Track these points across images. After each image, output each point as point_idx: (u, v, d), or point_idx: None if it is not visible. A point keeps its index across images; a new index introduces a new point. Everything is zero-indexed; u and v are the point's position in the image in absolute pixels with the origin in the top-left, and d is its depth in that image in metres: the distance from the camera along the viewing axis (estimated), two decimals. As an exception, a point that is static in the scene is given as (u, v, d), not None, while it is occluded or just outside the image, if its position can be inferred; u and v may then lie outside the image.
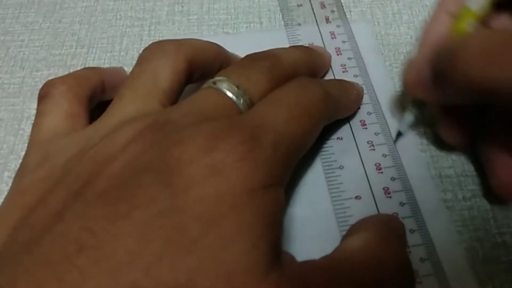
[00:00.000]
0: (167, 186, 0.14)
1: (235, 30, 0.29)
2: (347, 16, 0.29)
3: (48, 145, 0.18)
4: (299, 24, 0.28)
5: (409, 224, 0.20)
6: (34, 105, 0.21)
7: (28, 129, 0.25)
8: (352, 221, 0.19)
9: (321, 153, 0.23)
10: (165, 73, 0.20)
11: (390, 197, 0.21)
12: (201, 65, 0.21)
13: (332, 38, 0.27)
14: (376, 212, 0.21)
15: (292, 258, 0.16)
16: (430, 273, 0.19)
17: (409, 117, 0.23)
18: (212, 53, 0.22)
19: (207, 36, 0.29)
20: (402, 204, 0.21)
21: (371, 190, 0.21)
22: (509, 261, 0.20)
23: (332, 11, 0.29)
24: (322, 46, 0.27)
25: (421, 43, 0.21)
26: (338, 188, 0.22)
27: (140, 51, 0.21)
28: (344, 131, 0.23)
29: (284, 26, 0.29)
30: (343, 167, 0.22)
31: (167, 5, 0.31)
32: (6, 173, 0.24)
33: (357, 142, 0.23)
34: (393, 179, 0.22)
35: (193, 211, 0.14)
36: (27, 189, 0.17)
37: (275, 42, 0.25)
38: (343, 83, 0.23)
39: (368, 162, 0.22)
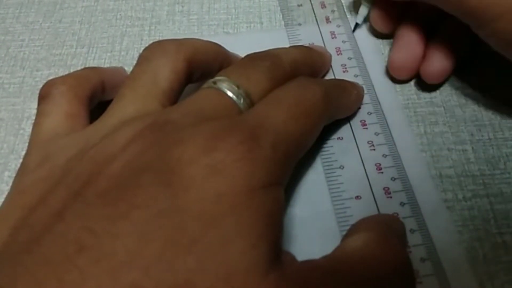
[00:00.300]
0: (167, 186, 0.14)
1: (235, 30, 0.29)
2: (348, 16, 0.29)
3: (48, 145, 0.18)
4: (300, 24, 0.28)
5: (409, 224, 0.20)
6: (35, 105, 0.21)
7: (28, 129, 0.25)
8: (352, 221, 0.19)
9: (321, 153, 0.23)
10: (165, 73, 0.20)
11: (391, 197, 0.21)
12: (201, 65, 0.21)
13: (333, 38, 0.27)
14: (376, 212, 0.21)
15: (292, 258, 0.16)
16: (431, 273, 0.19)
17: (363, 10, 0.27)
18: (212, 53, 0.22)
19: (207, 36, 0.29)
20: (402, 204, 0.21)
21: (372, 190, 0.21)
22: (509, 261, 0.20)
23: (333, 11, 0.29)
24: (323, 46, 0.27)
25: None
26: (338, 188, 0.22)
27: (140, 51, 0.21)
28: (344, 131, 0.23)
29: (285, 26, 0.29)
30: (343, 167, 0.22)
31: (167, 5, 0.31)
32: (6, 173, 0.24)
33: (357, 142, 0.23)
34: (393, 179, 0.22)
35: (193, 211, 0.14)
36: (28, 189, 0.17)
37: (276, 42, 0.25)
38: (343, 83, 0.23)
39: (368, 162, 0.22)
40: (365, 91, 0.25)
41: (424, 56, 0.25)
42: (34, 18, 0.31)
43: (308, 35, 0.28)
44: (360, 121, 0.24)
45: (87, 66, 0.28)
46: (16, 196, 0.17)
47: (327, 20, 0.28)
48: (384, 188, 0.21)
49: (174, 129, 0.16)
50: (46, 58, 0.28)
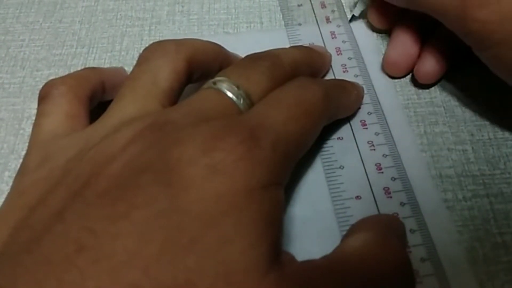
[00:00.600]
0: (167, 186, 0.14)
1: (235, 30, 0.29)
2: (348, 16, 0.29)
3: (48, 145, 0.18)
4: (300, 24, 0.28)
5: (409, 224, 0.20)
6: (35, 105, 0.21)
7: (28, 129, 0.25)
8: (352, 221, 0.19)
9: (321, 153, 0.23)
10: (165, 73, 0.20)
11: (391, 197, 0.21)
12: (201, 65, 0.21)
13: (333, 38, 0.27)
14: (376, 212, 0.21)
15: (292, 258, 0.16)
16: (431, 273, 0.19)
17: (360, 4, 0.28)
18: (212, 53, 0.22)
19: (207, 36, 0.29)
20: (402, 204, 0.21)
21: (372, 190, 0.21)
22: (509, 261, 0.20)
23: (333, 11, 0.29)
24: (323, 46, 0.27)
25: None
26: (338, 188, 0.22)
27: (141, 51, 0.21)
28: (344, 131, 0.23)
29: (285, 26, 0.29)
30: (343, 167, 0.22)
31: (167, 5, 0.31)
32: (6, 173, 0.24)
33: (357, 142, 0.23)
34: (393, 179, 0.22)
35: (192, 211, 0.14)
36: (28, 189, 0.17)
37: (276, 42, 0.25)
38: (343, 83, 0.23)
39: (368, 162, 0.22)
40: (365, 91, 0.25)
41: (419, 56, 0.25)
42: (34, 18, 0.31)
43: (308, 35, 0.28)
44: (360, 121, 0.24)
45: (87, 66, 0.28)
46: (16, 196, 0.17)
47: (327, 20, 0.28)
48: (384, 188, 0.21)
49: (174, 129, 0.16)
50: (46, 58, 0.28)
